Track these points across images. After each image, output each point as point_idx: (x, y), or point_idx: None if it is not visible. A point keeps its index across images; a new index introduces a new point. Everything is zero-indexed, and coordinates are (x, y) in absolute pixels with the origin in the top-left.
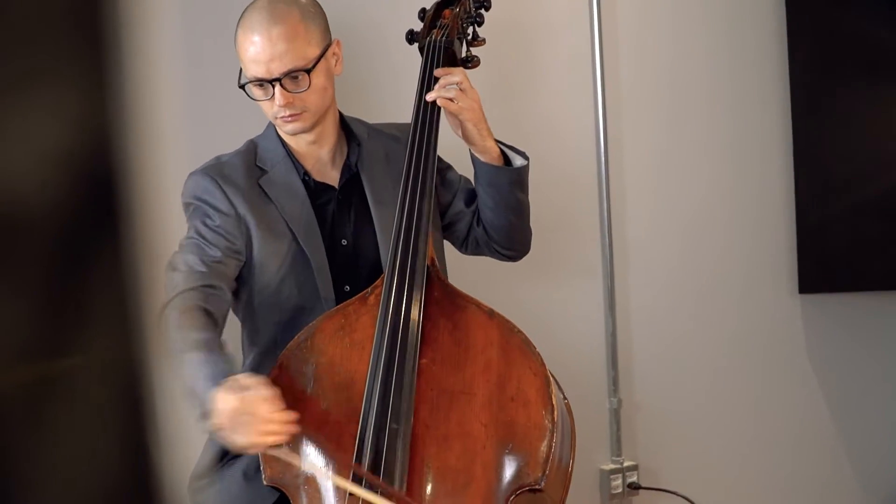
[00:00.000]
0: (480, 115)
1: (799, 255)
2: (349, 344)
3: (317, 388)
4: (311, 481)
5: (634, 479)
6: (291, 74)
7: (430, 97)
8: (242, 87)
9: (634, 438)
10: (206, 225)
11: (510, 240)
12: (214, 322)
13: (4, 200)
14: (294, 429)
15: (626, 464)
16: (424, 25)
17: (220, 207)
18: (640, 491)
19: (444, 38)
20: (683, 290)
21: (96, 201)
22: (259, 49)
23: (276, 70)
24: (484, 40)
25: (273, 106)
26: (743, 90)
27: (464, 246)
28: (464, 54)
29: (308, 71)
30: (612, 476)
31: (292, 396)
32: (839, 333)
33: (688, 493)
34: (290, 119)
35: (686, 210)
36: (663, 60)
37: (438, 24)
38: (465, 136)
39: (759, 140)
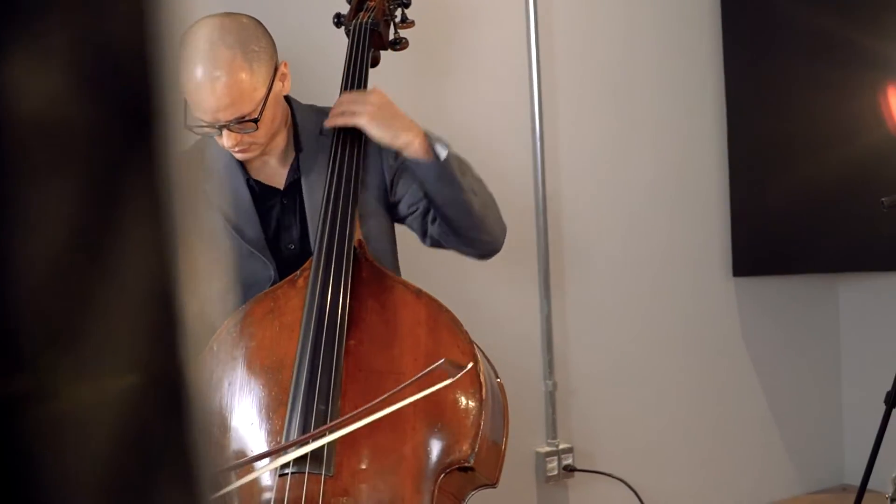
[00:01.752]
0: (380, 112)
1: (733, 240)
2: (279, 327)
3: (247, 372)
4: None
5: (570, 461)
6: (239, 121)
7: (326, 125)
8: (188, 127)
9: (569, 421)
10: None
11: (463, 238)
12: None
13: (40, 106)
14: None
15: (561, 446)
16: (351, 8)
17: None
18: (576, 473)
19: (370, 20)
20: (619, 274)
21: (132, 110)
22: (203, 98)
23: (223, 118)
24: (413, 22)
25: (221, 140)
26: (678, 76)
27: (426, 243)
28: (391, 36)
29: (255, 120)
30: (547, 458)
31: (223, 382)
32: (772, 315)
33: (623, 476)
34: (239, 153)
35: (622, 195)
36: (599, 45)
37: (365, 6)
38: (377, 140)
39: (694, 126)
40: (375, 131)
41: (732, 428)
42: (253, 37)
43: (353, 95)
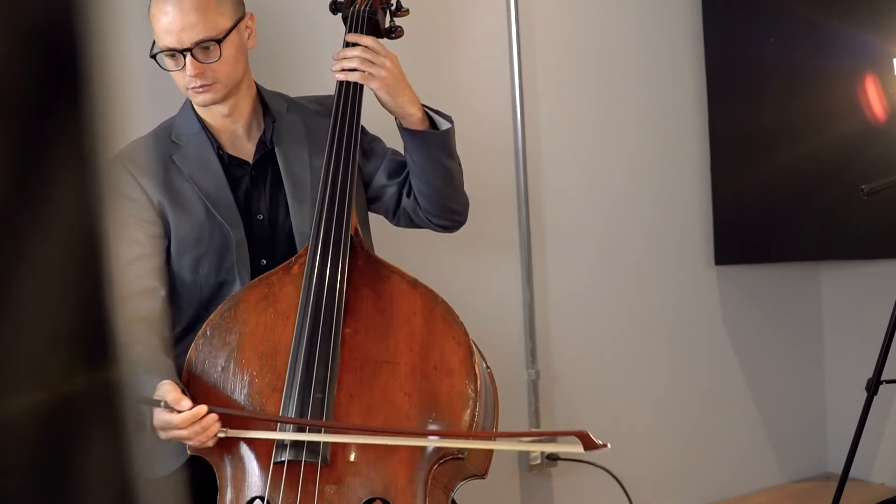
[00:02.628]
0: (394, 81)
1: (715, 229)
2: (273, 314)
3: (241, 357)
4: (235, 451)
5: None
6: (202, 44)
7: (333, 70)
8: (154, 56)
9: (553, 410)
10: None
11: (442, 208)
12: (150, 328)
13: None
14: (216, 428)
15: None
16: None
17: (131, 195)
18: (559, 462)
19: (367, 7)
20: (601, 263)
21: (58, 69)
22: (171, 19)
23: (188, 40)
24: (407, 10)
25: (184, 77)
26: (659, 66)
27: (395, 219)
28: (387, 24)
29: (219, 41)
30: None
31: (216, 366)
32: (754, 304)
33: (606, 464)
34: (201, 90)
35: (604, 183)
36: (580, 34)
37: None
38: (381, 103)
39: (675, 116)
40: (384, 97)
41: (715, 417)
42: None
43: (370, 53)
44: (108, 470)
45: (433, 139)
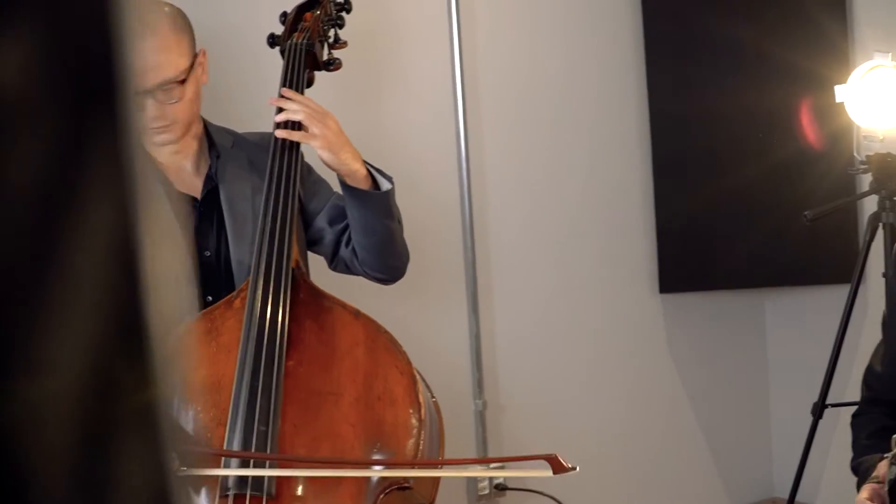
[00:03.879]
0: (335, 138)
1: (659, 256)
2: (216, 347)
3: (186, 392)
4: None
5: (501, 480)
6: (164, 87)
7: (277, 134)
8: None
9: (500, 439)
10: None
11: (380, 262)
12: None
13: (10, 74)
14: None
15: (492, 465)
16: (286, 28)
17: None
18: (507, 492)
19: (304, 40)
20: (547, 293)
21: (94, 70)
22: None
23: (150, 81)
24: (345, 43)
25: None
26: (602, 93)
27: (333, 265)
28: (325, 57)
29: (181, 82)
30: (478, 477)
31: None
32: (699, 331)
33: (553, 493)
34: (160, 130)
35: (550, 213)
36: (522, 64)
37: (299, 27)
38: (324, 162)
39: (619, 143)
40: (326, 156)
41: (662, 444)
42: (180, 15)
43: (309, 111)
44: (145, 475)
45: (374, 199)
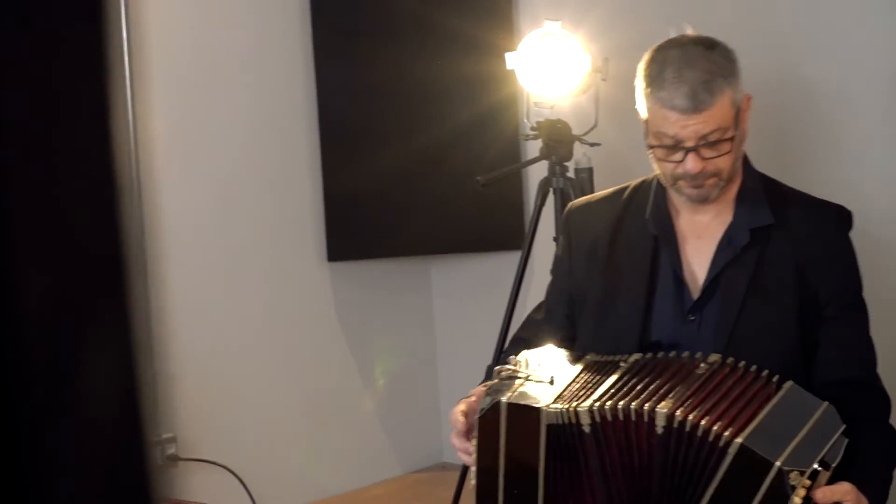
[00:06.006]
0: None
1: (327, 226)
2: None
3: None
4: None
5: (173, 450)
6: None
7: None
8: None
9: (172, 410)
10: None
11: None
12: None
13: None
14: None
15: (164, 436)
16: None
17: None
18: (179, 462)
19: None
20: (215, 263)
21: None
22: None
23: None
24: None
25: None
26: (269, 66)
27: None
28: None
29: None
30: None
31: None
32: (367, 300)
33: (227, 463)
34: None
35: (215, 183)
36: (188, 36)
37: None
38: None
39: (286, 113)
40: None
41: (334, 412)
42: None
43: None
44: (115, 368)
45: None
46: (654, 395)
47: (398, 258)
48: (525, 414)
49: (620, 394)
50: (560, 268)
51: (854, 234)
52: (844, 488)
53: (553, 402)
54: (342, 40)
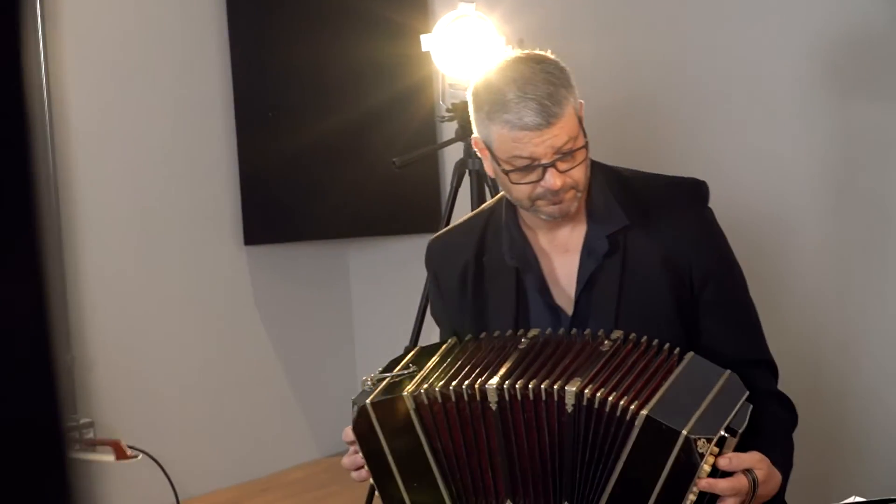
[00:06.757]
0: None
1: (243, 209)
2: None
3: None
4: None
5: (91, 435)
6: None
7: None
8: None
9: (89, 395)
10: None
11: None
12: None
13: None
14: None
15: (82, 421)
16: None
17: None
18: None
19: None
20: (131, 246)
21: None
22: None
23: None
24: None
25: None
26: (186, 49)
27: None
28: None
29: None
30: None
31: None
32: (285, 284)
33: (147, 448)
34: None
35: (129, 165)
36: (101, 17)
37: None
38: None
39: (201, 98)
40: None
41: (252, 397)
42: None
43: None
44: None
45: None
46: (563, 374)
47: (315, 241)
48: (390, 406)
49: (529, 372)
50: (439, 313)
51: (724, 206)
52: (755, 457)
53: (417, 387)
54: (258, 21)
